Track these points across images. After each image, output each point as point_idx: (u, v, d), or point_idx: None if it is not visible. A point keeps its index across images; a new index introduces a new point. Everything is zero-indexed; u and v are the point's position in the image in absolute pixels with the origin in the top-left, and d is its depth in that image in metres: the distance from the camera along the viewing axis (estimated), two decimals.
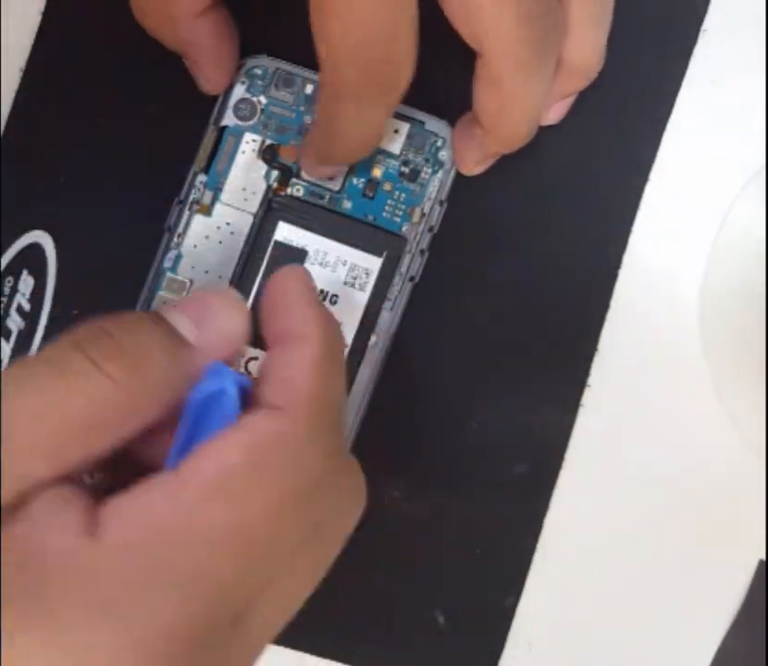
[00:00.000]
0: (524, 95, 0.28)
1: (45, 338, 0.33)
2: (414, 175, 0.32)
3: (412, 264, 0.32)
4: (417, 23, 0.25)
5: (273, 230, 0.31)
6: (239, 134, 0.31)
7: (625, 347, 0.33)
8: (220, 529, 0.20)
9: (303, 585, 0.22)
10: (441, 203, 0.32)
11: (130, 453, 0.23)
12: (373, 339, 0.32)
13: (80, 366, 0.20)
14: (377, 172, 0.32)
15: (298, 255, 0.31)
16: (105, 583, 0.19)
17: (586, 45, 0.29)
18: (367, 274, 0.32)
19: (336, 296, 0.31)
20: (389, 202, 0.32)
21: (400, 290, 0.32)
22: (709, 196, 0.33)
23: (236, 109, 0.31)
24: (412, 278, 0.32)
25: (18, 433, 0.20)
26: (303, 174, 0.31)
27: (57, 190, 0.33)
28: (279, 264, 0.31)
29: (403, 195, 0.32)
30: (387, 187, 0.32)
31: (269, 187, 0.31)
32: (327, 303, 0.31)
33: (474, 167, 0.31)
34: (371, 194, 0.32)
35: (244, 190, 0.31)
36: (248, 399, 0.22)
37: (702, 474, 0.33)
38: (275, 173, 0.31)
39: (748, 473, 0.33)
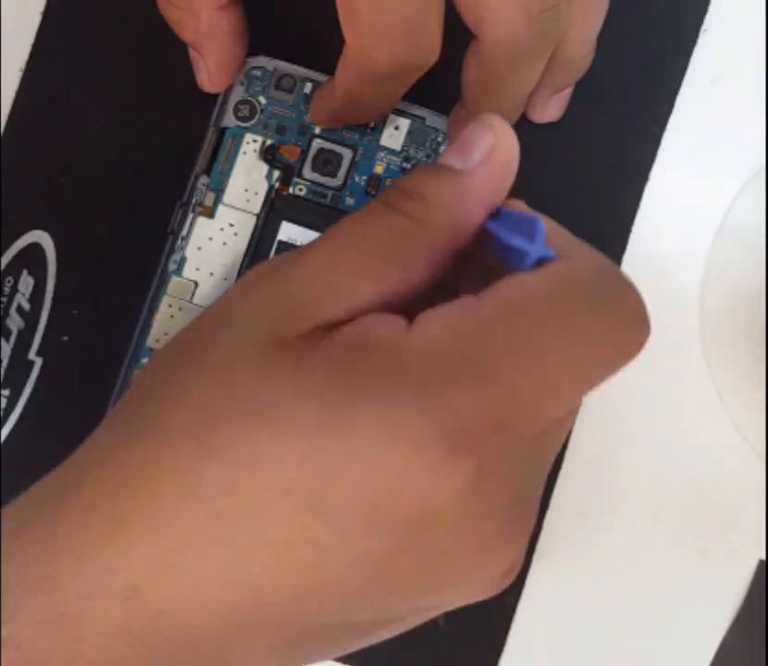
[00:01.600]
0: (512, 82, 0.28)
1: (45, 338, 0.33)
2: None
3: None
4: (444, 7, 0.26)
5: (276, 230, 0.31)
6: (239, 135, 0.31)
7: None
8: (512, 343, 0.22)
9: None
10: None
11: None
12: None
13: (379, 209, 0.24)
14: (379, 169, 0.32)
15: None
16: (417, 369, 0.21)
17: (582, 41, 0.29)
18: None
19: None
20: None
21: None
22: (709, 196, 0.33)
23: (236, 110, 0.31)
24: None
25: (342, 261, 0.23)
26: (305, 172, 0.31)
27: (57, 190, 0.33)
28: None
29: None
30: (389, 184, 0.32)
31: (271, 187, 0.31)
32: None
33: None
34: (373, 192, 0.32)
35: (246, 190, 0.31)
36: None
37: (702, 474, 0.33)
38: (277, 173, 0.31)
39: (748, 473, 0.33)
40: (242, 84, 0.31)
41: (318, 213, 0.31)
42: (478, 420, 0.21)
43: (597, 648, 0.33)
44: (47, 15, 0.33)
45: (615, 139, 0.33)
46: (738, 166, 0.33)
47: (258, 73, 0.31)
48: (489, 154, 0.24)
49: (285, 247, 0.31)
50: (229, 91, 0.31)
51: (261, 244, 0.31)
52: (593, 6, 0.29)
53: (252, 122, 0.31)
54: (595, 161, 0.33)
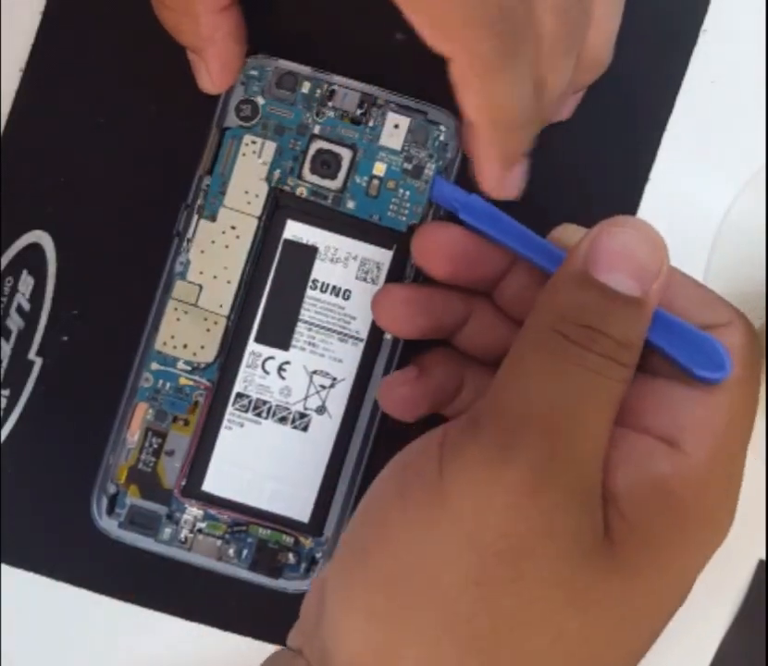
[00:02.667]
0: (549, 81, 0.28)
1: (45, 338, 0.33)
2: (417, 171, 0.31)
3: None
4: None
5: (282, 229, 0.31)
6: (238, 136, 0.31)
7: None
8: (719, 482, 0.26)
9: None
10: None
11: None
12: (389, 333, 0.31)
13: (607, 365, 0.24)
14: (380, 169, 0.31)
15: (308, 252, 0.31)
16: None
17: (604, 38, 0.29)
18: (379, 267, 0.31)
19: (349, 291, 0.31)
20: (393, 200, 0.31)
21: (412, 282, 0.31)
22: (709, 196, 0.33)
23: (238, 110, 0.31)
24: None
25: (602, 427, 0.24)
26: (304, 174, 0.31)
27: (57, 190, 0.33)
28: (290, 262, 0.31)
29: (408, 193, 0.31)
30: (390, 185, 0.31)
31: (272, 188, 0.31)
32: (339, 299, 0.31)
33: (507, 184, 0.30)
34: (374, 193, 0.31)
35: (247, 193, 0.31)
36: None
37: None
38: (277, 174, 0.31)
39: (748, 473, 0.33)
40: (243, 84, 0.31)
41: (323, 210, 0.31)
42: None
43: None
44: (47, 15, 0.33)
45: (615, 139, 0.33)
46: (738, 166, 0.33)
47: (256, 73, 0.31)
48: (661, 277, 0.25)
49: (291, 245, 0.31)
50: (230, 91, 0.31)
51: (267, 243, 0.31)
52: (614, 1, 0.29)
53: (253, 122, 0.31)
54: (595, 161, 0.33)
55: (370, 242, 0.31)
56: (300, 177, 0.31)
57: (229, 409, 0.31)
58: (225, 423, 0.31)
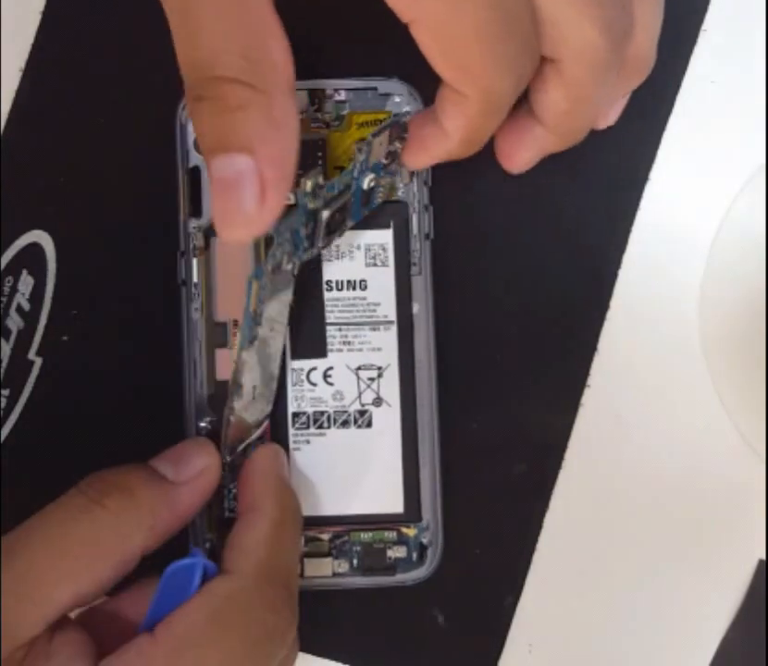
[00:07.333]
0: (595, 95, 0.27)
1: (45, 338, 0.33)
2: (394, 157, 0.29)
3: (421, 222, 0.31)
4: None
5: None
6: (258, 277, 0.29)
7: (625, 347, 0.33)
8: None
9: None
10: None
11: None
12: (415, 306, 0.31)
13: (83, 503, 0.26)
14: (369, 180, 0.29)
15: (313, 258, 0.30)
16: None
17: (649, 38, 0.28)
18: (384, 249, 0.31)
19: (364, 281, 0.31)
20: (379, 190, 0.30)
21: (420, 251, 0.31)
22: (709, 196, 0.33)
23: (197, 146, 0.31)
24: (427, 236, 0.31)
25: (41, 565, 0.25)
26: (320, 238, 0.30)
27: (57, 190, 0.33)
28: (300, 273, 0.30)
29: (390, 178, 0.31)
30: (373, 182, 0.30)
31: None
32: (358, 291, 0.31)
33: (525, 166, 0.30)
34: (366, 200, 0.30)
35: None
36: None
37: (702, 474, 0.33)
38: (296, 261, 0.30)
39: (748, 473, 0.33)
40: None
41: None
42: None
43: (597, 648, 0.33)
44: (47, 15, 0.33)
45: (615, 139, 0.33)
46: (738, 166, 0.33)
47: None
48: (199, 474, 0.28)
49: None
50: (184, 126, 0.31)
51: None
52: (654, 5, 0.28)
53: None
54: (596, 161, 0.33)
55: (367, 228, 0.31)
56: (312, 246, 0.30)
57: (291, 431, 0.31)
58: (291, 445, 0.31)
